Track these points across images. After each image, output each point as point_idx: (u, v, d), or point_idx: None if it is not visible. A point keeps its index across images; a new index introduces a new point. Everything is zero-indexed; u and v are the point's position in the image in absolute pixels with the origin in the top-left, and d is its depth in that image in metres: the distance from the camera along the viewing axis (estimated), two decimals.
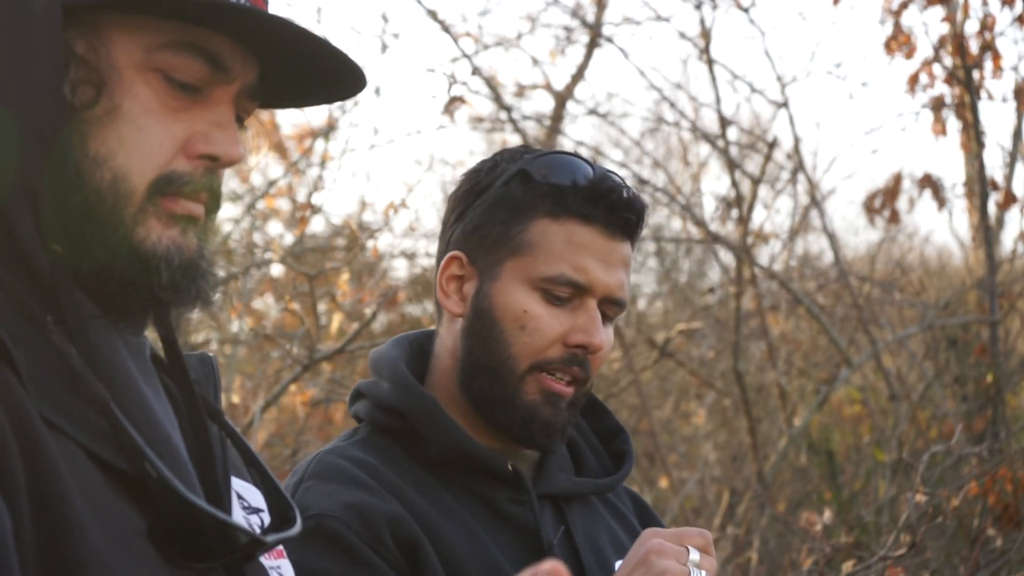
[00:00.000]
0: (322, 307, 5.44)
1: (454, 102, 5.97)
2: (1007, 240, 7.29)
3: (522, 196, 1.70)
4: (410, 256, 7.13)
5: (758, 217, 7.02)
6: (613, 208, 1.70)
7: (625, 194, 1.71)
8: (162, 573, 1.09)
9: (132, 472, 1.09)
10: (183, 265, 1.16)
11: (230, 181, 7.94)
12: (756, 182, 6.47)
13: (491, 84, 6.38)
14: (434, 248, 6.26)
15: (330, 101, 1.32)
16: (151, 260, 1.14)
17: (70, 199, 1.11)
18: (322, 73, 1.24)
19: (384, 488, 1.64)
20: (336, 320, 5.44)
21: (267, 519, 1.29)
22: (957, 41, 5.54)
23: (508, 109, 6.53)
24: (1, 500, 0.97)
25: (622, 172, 7.27)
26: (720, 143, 6.50)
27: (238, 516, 1.24)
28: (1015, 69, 5.78)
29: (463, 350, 1.72)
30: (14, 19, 1.10)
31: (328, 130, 6.36)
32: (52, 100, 1.10)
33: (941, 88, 5.81)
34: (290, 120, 7.57)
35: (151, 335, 1.26)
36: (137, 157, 1.14)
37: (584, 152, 7.65)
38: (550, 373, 1.68)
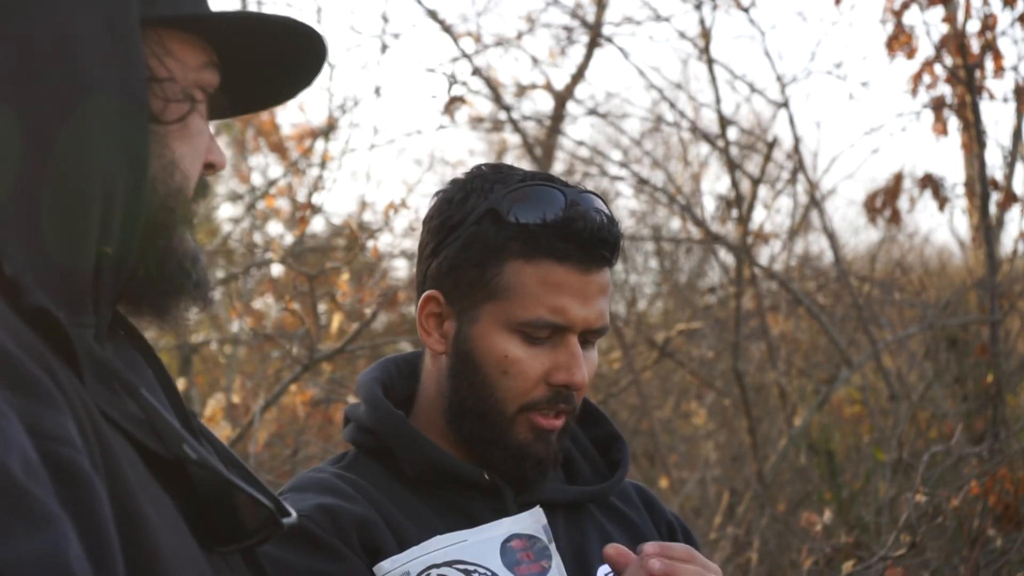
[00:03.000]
0: (322, 307, 5.44)
1: (454, 102, 5.97)
2: (1007, 240, 7.30)
3: (494, 237, 1.67)
4: (410, 256, 7.13)
5: (758, 217, 7.04)
6: (586, 244, 1.66)
7: (598, 224, 1.66)
8: (200, 556, 1.13)
9: (170, 455, 1.12)
10: (202, 265, 1.25)
11: (230, 181, 7.94)
12: (756, 182, 6.47)
13: (491, 84, 6.38)
14: None
15: (304, 82, 1.37)
16: (184, 261, 1.23)
17: (142, 203, 1.16)
18: (284, 59, 1.31)
19: (361, 496, 1.66)
20: (336, 320, 5.44)
21: None
22: (958, 41, 5.54)
23: (508, 109, 6.53)
24: (98, 483, 0.99)
25: (622, 172, 7.31)
26: (720, 143, 6.50)
27: None
28: (1015, 69, 5.79)
29: (449, 388, 1.72)
30: (104, 35, 1.13)
31: (328, 130, 6.36)
32: (140, 113, 1.15)
33: (942, 88, 5.82)
34: (290, 120, 7.58)
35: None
36: (193, 163, 1.23)
37: (583, 152, 7.65)
38: (538, 411, 1.69)
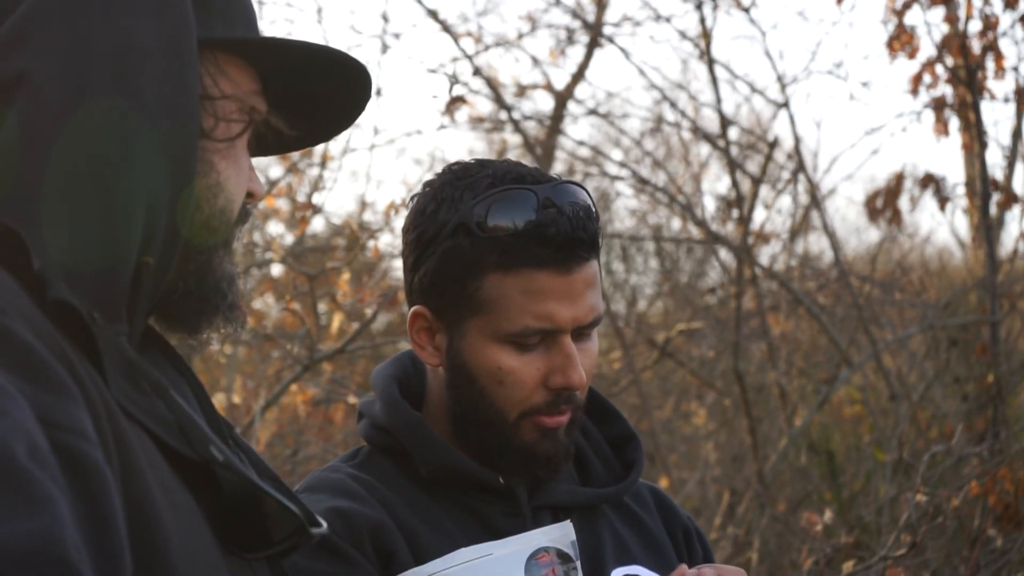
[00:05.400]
0: (322, 307, 5.45)
1: (455, 102, 5.97)
2: (1007, 240, 7.30)
3: (468, 251, 1.62)
4: None
5: (758, 217, 7.03)
6: (562, 247, 1.60)
7: (572, 224, 1.60)
8: (220, 560, 1.13)
9: (198, 457, 1.12)
10: (237, 288, 1.28)
11: None
12: (756, 182, 6.47)
13: (491, 84, 6.38)
14: None
15: (348, 118, 1.39)
16: (221, 282, 1.26)
17: (186, 218, 1.18)
18: (330, 90, 1.32)
19: (375, 499, 1.64)
20: (336, 320, 5.44)
21: None
22: (959, 41, 5.55)
23: (508, 109, 6.53)
24: (113, 484, 0.99)
25: (622, 172, 7.31)
26: (720, 143, 6.50)
27: None
28: (1016, 69, 5.79)
29: (450, 399, 1.70)
30: (161, 50, 1.15)
31: None
32: (190, 127, 1.17)
33: (943, 88, 5.82)
34: None
35: None
36: (237, 187, 1.25)
37: (584, 152, 7.65)
38: (540, 414, 1.67)
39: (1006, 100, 5.84)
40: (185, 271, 1.21)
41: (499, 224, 1.62)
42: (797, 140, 6.46)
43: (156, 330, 1.28)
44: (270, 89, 1.28)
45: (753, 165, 7.63)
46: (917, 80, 5.75)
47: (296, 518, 1.17)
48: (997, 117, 20.96)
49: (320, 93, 1.32)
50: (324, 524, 1.23)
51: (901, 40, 5.70)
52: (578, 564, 1.61)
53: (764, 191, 6.99)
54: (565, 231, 1.61)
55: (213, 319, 1.26)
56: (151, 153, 1.13)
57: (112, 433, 1.02)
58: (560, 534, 1.62)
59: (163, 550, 1.04)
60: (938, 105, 5.82)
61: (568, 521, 1.64)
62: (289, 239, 6.71)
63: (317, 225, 7.46)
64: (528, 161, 6.90)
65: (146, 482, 1.04)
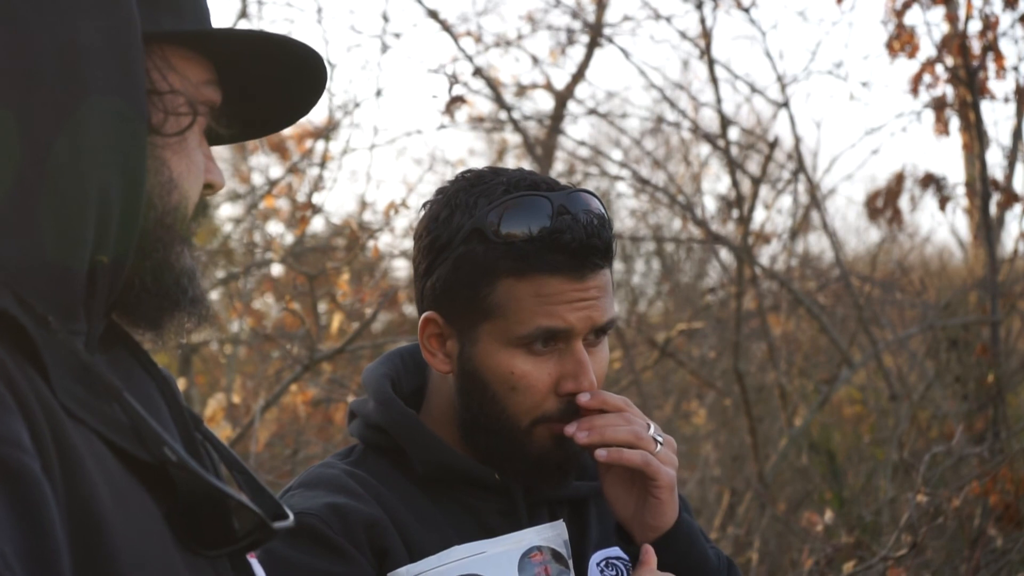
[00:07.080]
0: (322, 307, 5.45)
1: (455, 102, 5.97)
2: (1008, 240, 7.30)
3: (482, 257, 1.63)
4: (410, 257, 7.10)
5: (758, 217, 7.03)
6: (576, 253, 1.62)
7: (587, 232, 1.62)
8: (177, 559, 1.12)
9: (152, 459, 1.11)
10: (199, 282, 1.26)
11: (230, 181, 7.93)
12: (756, 182, 6.47)
13: (492, 84, 6.38)
14: None
15: (305, 105, 1.38)
16: (181, 277, 1.23)
17: (138, 215, 1.16)
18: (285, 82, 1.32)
19: (370, 495, 1.65)
20: (336, 320, 5.44)
21: None
22: (959, 41, 5.55)
23: (508, 109, 6.52)
24: (49, 493, 0.98)
25: (622, 172, 7.30)
26: (721, 143, 6.50)
27: None
28: (1016, 69, 5.79)
29: (460, 406, 1.70)
30: (106, 46, 1.14)
31: (328, 130, 6.36)
32: (138, 123, 1.15)
33: (943, 88, 5.82)
34: None
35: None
36: (192, 182, 1.23)
37: (584, 152, 7.65)
38: (553, 422, 1.67)
39: (1006, 100, 5.84)
40: (142, 268, 1.19)
41: (513, 231, 1.63)
42: (797, 140, 6.46)
43: (122, 327, 1.27)
44: (225, 79, 1.27)
45: (753, 165, 7.63)
46: (917, 80, 5.75)
47: (255, 515, 1.16)
48: (997, 117, 20.94)
49: (273, 81, 1.31)
50: (291, 516, 1.23)
51: (901, 40, 5.70)
52: (570, 563, 1.61)
53: (764, 191, 7.00)
54: (580, 238, 1.62)
55: (175, 314, 1.24)
56: (100, 151, 1.12)
57: (53, 440, 1.02)
58: (553, 533, 1.63)
59: (111, 555, 1.03)
60: (938, 105, 5.83)
61: (561, 521, 1.66)
62: (289, 239, 6.71)
63: (317, 225, 7.47)
64: (528, 162, 6.90)
65: (92, 487, 1.04)
